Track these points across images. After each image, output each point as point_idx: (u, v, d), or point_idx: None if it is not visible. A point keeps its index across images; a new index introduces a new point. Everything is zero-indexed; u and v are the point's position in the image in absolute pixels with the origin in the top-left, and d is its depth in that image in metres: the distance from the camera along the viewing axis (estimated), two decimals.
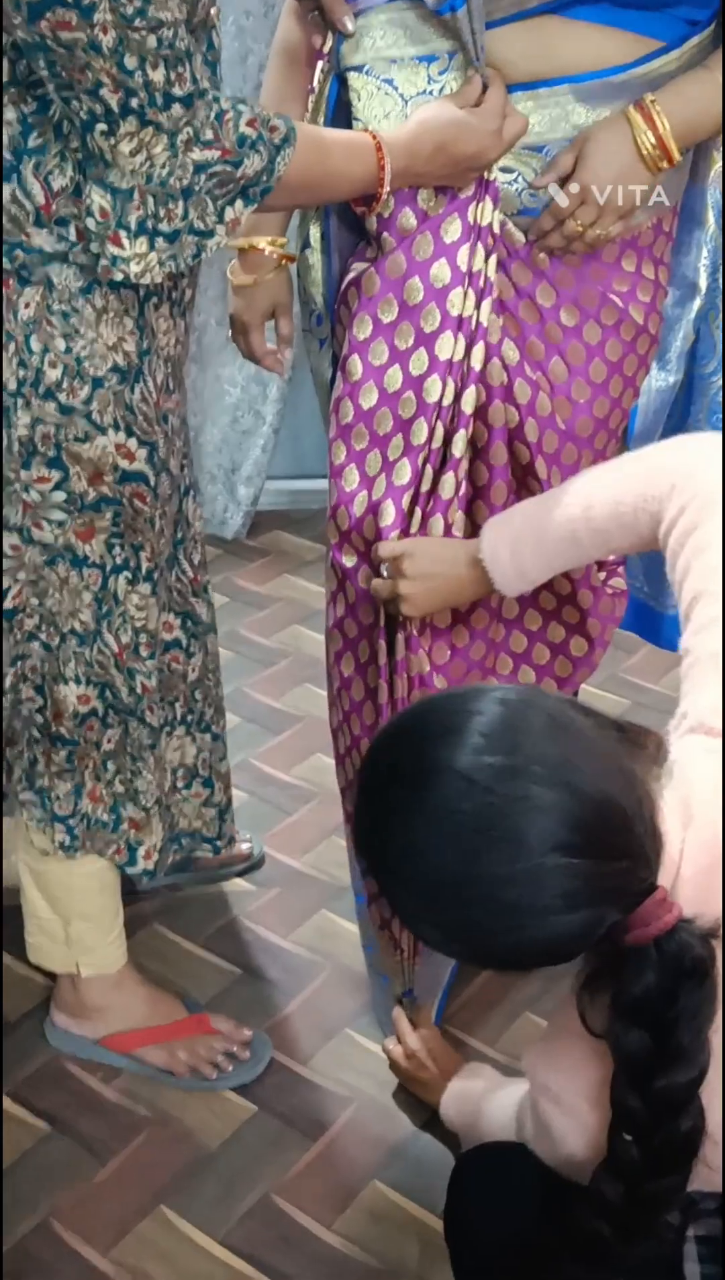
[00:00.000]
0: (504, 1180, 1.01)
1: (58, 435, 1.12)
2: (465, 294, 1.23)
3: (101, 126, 0.97)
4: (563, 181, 1.21)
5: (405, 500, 1.27)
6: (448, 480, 1.27)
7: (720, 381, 1.53)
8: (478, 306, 1.24)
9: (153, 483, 1.19)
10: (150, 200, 1.00)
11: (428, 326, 1.24)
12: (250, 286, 1.38)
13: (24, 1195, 1.34)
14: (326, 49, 1.27)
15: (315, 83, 1.30)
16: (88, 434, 1.13)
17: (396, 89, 1.20)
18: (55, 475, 1.14)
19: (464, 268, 1.22)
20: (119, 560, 1.21)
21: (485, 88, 1.18)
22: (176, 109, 0.98)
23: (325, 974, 1.63)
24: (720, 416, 1.54)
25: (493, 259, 1.23)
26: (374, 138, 1.15)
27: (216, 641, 1.47)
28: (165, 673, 1.35)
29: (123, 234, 1.01)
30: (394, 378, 1.27)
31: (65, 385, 1.11)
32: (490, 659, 1.41)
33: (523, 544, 1.18)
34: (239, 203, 1.05)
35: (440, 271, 1.23)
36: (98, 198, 1.00)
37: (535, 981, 1.63)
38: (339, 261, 1.33)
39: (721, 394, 1.53)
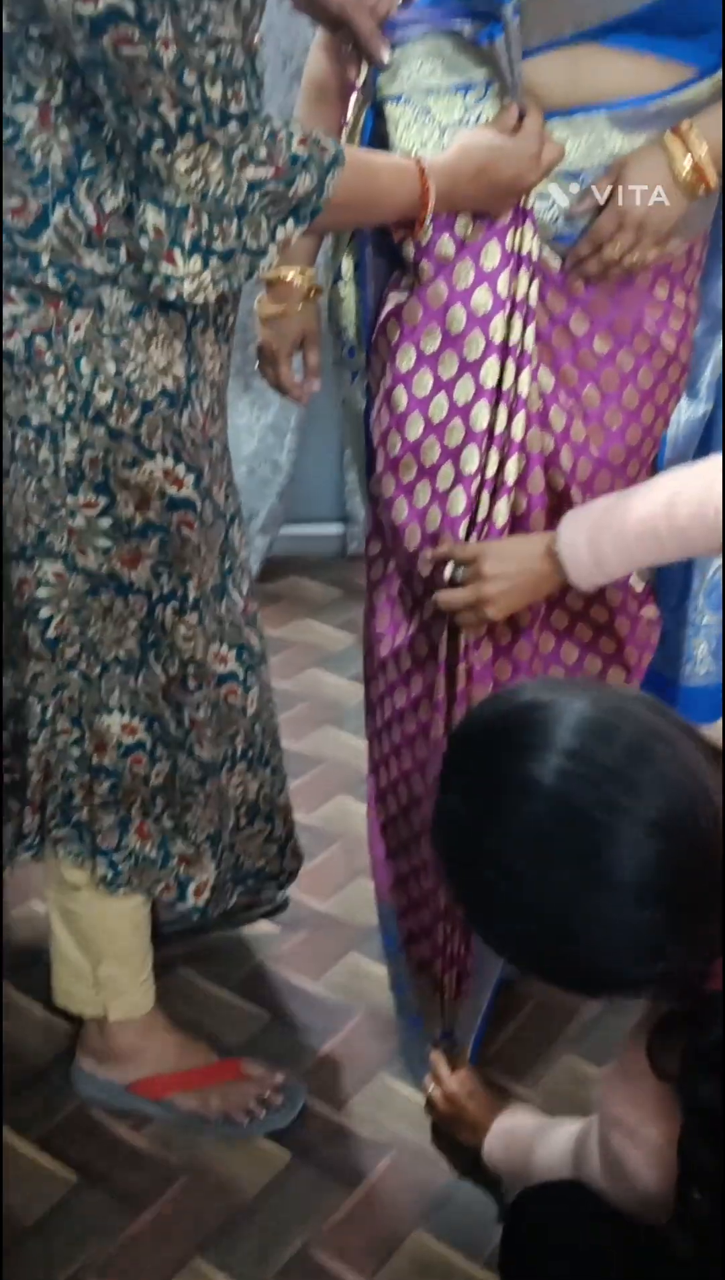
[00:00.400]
0: (567, 1219, 0.98)
1: (106, 460, 1.11)
2: (508, 320, 1.23)
3: (158, 143, 0.97)
4: (599, 209, 1.22)
5: (462, 529, 1.26)
6: (501, 507, 1.26)
7: None
8: (523, 332, 1.23)
9: (199, 509, 1.18)
10: (205, 218, 1.00)
11: (471, 354, 1.24)
12: (279, 317, 1.39)
13: (56, 1250, 1.29)
14: (361, 82, 1.28)
15: (350, 115, 1.32)
16: (136, 459, 1.12)
17: (433, 118, 1.21)
18: (102, 501, 1.13)
19: (505, 294, 1.23)
20: (166, 589, 1.19)
21: (522, 115, 1.19)
22: (233, 126, 0.98)
23: (357, 1018, 1.59)
24: None
25: (534, 284, 1.23)
26: (418, 162, 1.15)
27: (269, 672, 1.44)
28: (222, 707, 1.31)
29: (177, 252, 1.01)
30: (440, 407, 1.26)
31: (115, 409, 1.10)
32: None
33: (602, 534, 1.16)
34: (290, 222, 1.05)
35: (482, 298, 1.23)
36: (152, 216, 1.00)
37: (576, 1022, 1.59)
38: (374, 293, 1.33)
39: None
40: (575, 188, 1.23)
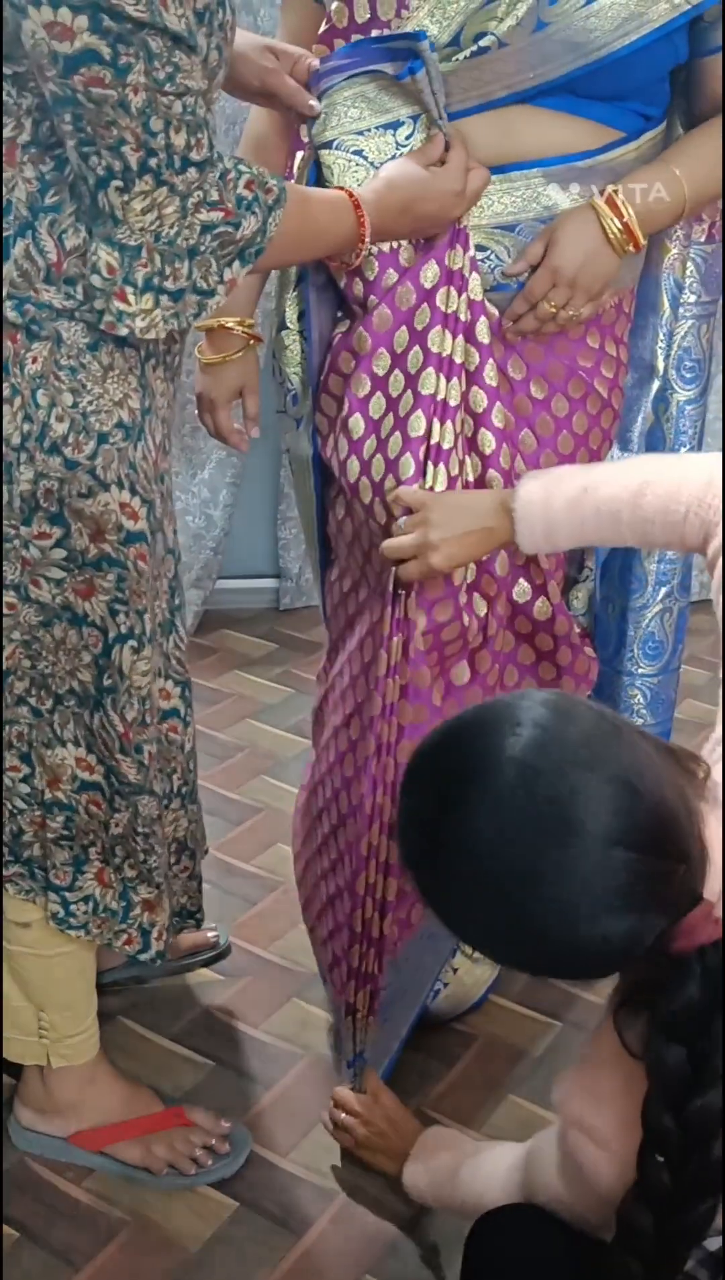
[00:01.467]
0: (525, 1244, 0.97)
1: (60, 491, 1.12)
2: (443, 333, 1.27)
3: (117, 183, 0.99)
4: (533, 269, 1.28)
5: None
6: None
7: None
8: (454, 343, 1.27)
9: (151, 542, 1.18)
10: (157, 258, 1.02)
11: (412, 368, 1.28)
12: (218, 364, 1.41)
13: None
14: (305, 138, 1.33)
15: (295, 169, 1.36)
16: (91, 489, 1.12)
17: (366, 158, 1.26)
18: (57, 532, 1.13)
19: (443, 308, 1.27)
20: (124, 628, 1.18)
21: (448, 145, 1.24)
22: (192, 173, 1.01)
23: (301, 1064, 1.57)
24: None
25: (464, 299, 1.27)
26: (351, 195, 1.19)
27: None
28: (163, 744, 1.31)
29: (129, 290, 1.03)
30: (387, 425, 1.30)
31: (71, 440, 1.10)
32: None
33: (557, 500, 1.15)
34: (236, 264, 1.08)
35: (422, 314, 1.28)
36: (105, 254, 1.02)
37: (522, 1063, 1.59)
38: (321, 336, 1.37)
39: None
40: (512, 240, 1.29)
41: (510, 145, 1.26)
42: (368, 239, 1.19)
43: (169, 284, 1.04)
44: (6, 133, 1.03)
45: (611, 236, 1.26)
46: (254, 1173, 1.41)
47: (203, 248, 1.05)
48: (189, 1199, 1.38)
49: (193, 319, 1.08)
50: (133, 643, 1.19)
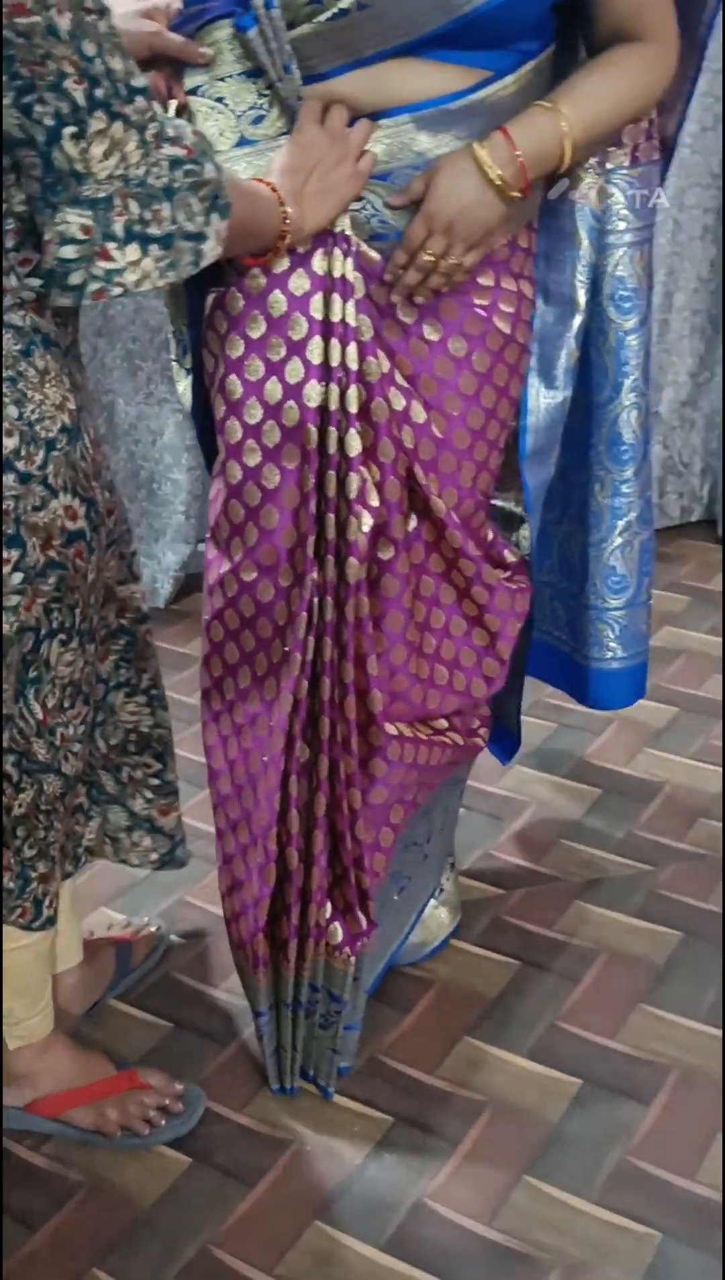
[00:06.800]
0: None
1: (16, 508, 1.09)
2: (327, 298, 1.25)
3: (70, 129, 0.94)
4: (416, 204, 1.24)
5: (313, 504, 1.29)
6: (353, 481, 1.29)
7: (616, 412, 1.55)
8: (343, 308, 1.26)
9: (90, 539, 1.16)
10: (133, 204, 0.98)
11: (296, 335, 1.26)
12: None
13: None
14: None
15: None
16: (44, 500, 1.10)
17: (227, 106, 1.24)
18: (14, 554, 1.10)
19: (322, 272, 1.25)
20: (55, 624, 1.17)
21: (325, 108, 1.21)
22: (140, 101, 0.97)
23: None
24: (622, 449, 1.57)
25: (348, 261, 1.25)
26: (272, 187, 1.16)
27: None
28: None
29: (111, 246, 0.98)
30: (273, 390, 1.29)
31: (23, 453, 1.08)
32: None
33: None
34: (215, 215, 1.04)
35: (299, 281, 1.25)
36: (75, 217, 0.97)
37: (480, 1006, 1.60)
38: (200, 293, 1.35)
39: (624, 427, 1.56)
40: (385, 189, 1.26)
41: (381, 96, 1.23)
42: (288, 228, 1.17)
43: (153, 229, 0.99)
44: None
45: (494, 181, 1.23)
46: (207, 1128, 1.44)
47: (177, 185, 1.00)
48: (143, 1158, 1.41)
49: (191, 268, 1.04)
50: (62, 636, 1.18)
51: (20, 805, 1.26)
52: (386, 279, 1.27)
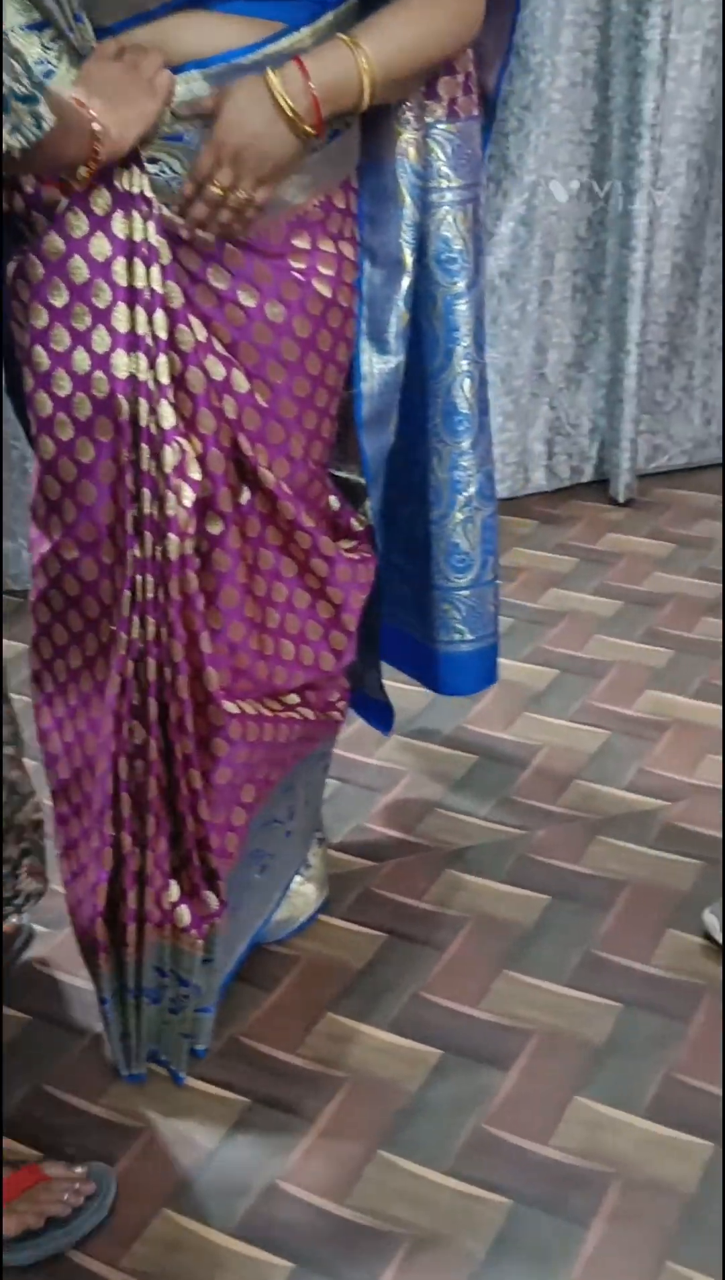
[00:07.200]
0: None
1: None
2: (129, 263, 1.21)
3: None
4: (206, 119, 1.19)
5: (130, 479, 1.25)
6: (168, 454, 1.25)
7: (449, 380, 1.53)
8: (148, 274, 1.21)
9: None
10: None
11: (100, 302, 1.22)
12: None
13: None
14: None
15: None
16: None
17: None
18: None
19: (122, 235, 1.20)
20: None
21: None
22: None
23: None
24: (458, 419, 1.54)
25: (150, 225, 1.21)
26: (79, 103, 1.10)
27: None
28: None
29: None
30: (81, 361, 1.24)
31: None
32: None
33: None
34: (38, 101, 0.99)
35: (99, 245, 1.21)
36: None
37: (344, 979, 1.58)
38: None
39: (458, 397, 1.53)
40: (181, 149, 1.21)
41: (170, 50, 1.19)
42: (100, 135, 1.11)
43: None
44: None
45: (286, 111, 1.19)
46: (59, 1120, 1.41)
47: None
48: None
49: (34, 133, 1.00)
50: None
51: None
52: (175, 213, 1.22)
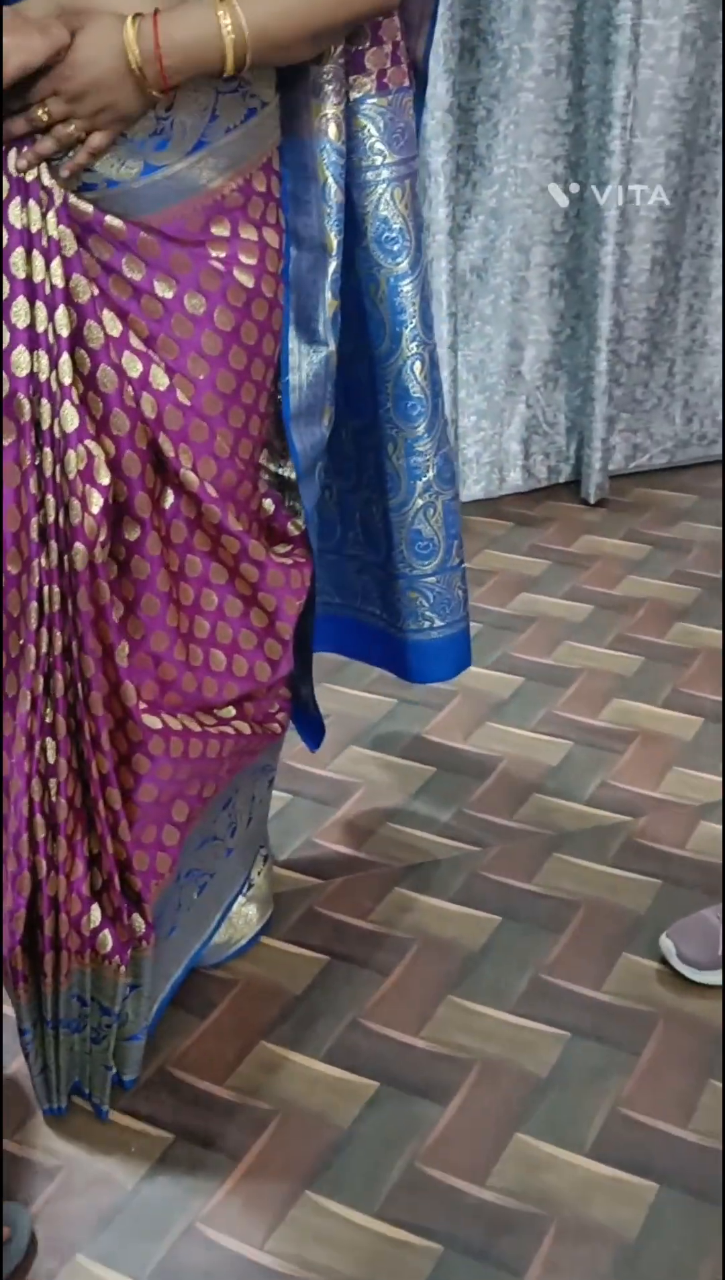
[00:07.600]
0: None
1: None
2: (28, 255, 1.14)
3: None
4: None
5: (32, 483, 1.18)
6: (72, 458, 1.18)
7: (399, 364, 1.46)
8: (47, 268, 1.15)
9: None
10: None
11: None
12: None
13: None
14: None
15: None
16: None
17: None
18: None
19: (19, 225, 1.14)
20: None
21: None
22: None
23: None
24: (410, 404, 1.48)
25: (51, 216, 1.14)
26: None
27: None
28: None
29: None
30: None
31: None
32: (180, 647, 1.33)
33: None
34: None
35: None
36: None
37: (280, 1004, 1.51)
38: None
39: (409, 381, 1.46)
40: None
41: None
42: None
43: None
44: None
45: (133, 65, 1.10)
46: None
47: None
48: None
49: None
50: None
51: None
52: None
